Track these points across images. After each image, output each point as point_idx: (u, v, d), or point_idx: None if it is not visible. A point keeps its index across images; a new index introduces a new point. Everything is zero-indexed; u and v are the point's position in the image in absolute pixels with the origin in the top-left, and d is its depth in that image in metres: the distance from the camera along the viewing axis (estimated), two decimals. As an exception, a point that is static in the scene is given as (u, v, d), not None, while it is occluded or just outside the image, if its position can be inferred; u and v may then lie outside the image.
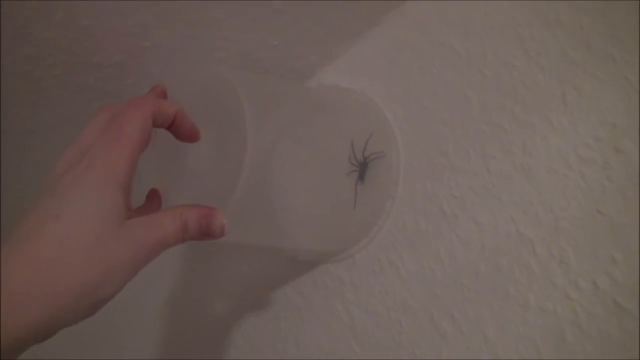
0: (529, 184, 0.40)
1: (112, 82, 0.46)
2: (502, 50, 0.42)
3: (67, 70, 0.43)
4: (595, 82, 0.38)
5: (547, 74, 0.40)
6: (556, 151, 0.39)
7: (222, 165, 0.42)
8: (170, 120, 0.36)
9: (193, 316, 0.65)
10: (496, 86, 0.42)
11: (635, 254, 0.35)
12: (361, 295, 0.49)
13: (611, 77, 0.37)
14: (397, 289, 0.47)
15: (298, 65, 0.52)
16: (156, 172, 0.43)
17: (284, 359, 0.55)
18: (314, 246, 0.51)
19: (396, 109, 0.49)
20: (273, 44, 0.48)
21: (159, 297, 0.68)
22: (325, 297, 0.52)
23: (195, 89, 0.41)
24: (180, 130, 0.37)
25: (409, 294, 0.46)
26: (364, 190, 0.48)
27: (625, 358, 0.35)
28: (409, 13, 0.48)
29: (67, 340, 0.32)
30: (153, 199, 0.41)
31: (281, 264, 0.56)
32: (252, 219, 0.43)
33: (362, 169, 0.48)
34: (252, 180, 0.38)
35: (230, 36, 0.45)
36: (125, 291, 0.32)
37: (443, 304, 0.44)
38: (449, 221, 0.44)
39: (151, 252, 0.33)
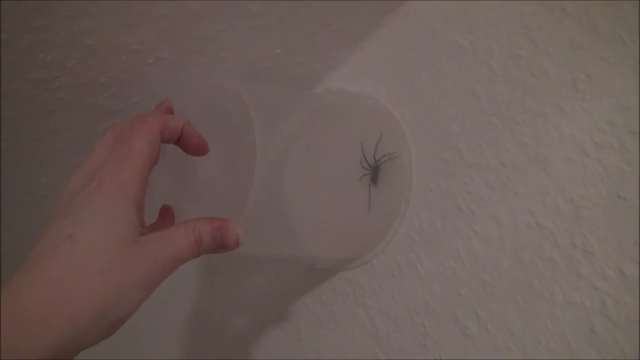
0: (545, 174, 0.39)
1: (118, 101, 0.46)
2: (508, 42, 0.42)
3: (73, 91, 0.43)
4: (606, 65, 0.37)
5: (555, 62, 0.39)
6: (571, 139, 0.38)
7: (233, 177, 0.42)
8: (178, 135, 0.36)
9: (211, 331, 0.64)
10: (504, 78, 0.42)
11: (661, 238, 0.34)
12: (382, 300, 0.48)
13: (621, 60, 0.36)
14: (418, 291, 0.46)
15: (303, 72, 0.51)
16: (168, 188, 0.42)
17: (308, 371, 0.54)
18: (331, 253, 0.50)
19: (404, 109, 0.48)
20: (276, 52, 0.47)
21: (176, 314, 0.67)
22: (346, 305, 0.51)
23: (202, 102, 0.41)
24: (188, 144, 0.37)
25: (431, 295, 0.45)
26: (378, 194, 0.48)
27: (660, 346, 0.34)
28: (411, 12, 0.48)
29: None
30: (166, 215, 0.40)
31: (298, 274, 0.56)
32: (267, 228, 0.43)
33: (374, 172, 0.48)
34: (265, 190, 0.38)
35: (233, 47, 0.45)
36: (142, 309, 0.31)
37: (466, 303, 0.43)
38: (466, 218, 0.43)
39: (166, 269, 0.32)
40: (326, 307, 0.53)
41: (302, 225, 0.45)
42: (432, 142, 0.46)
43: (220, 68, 0.46)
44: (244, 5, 0.42)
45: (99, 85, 0.43)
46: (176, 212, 0.41)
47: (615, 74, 0.37)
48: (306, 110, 0.48)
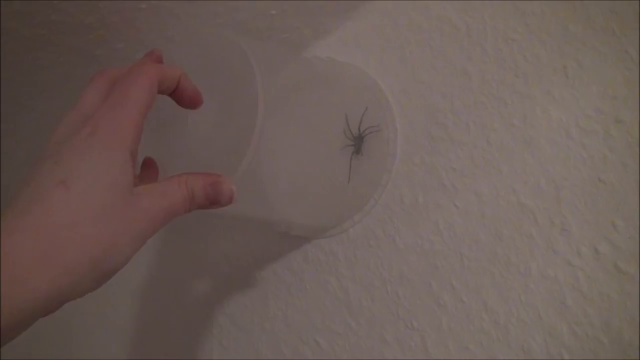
0: (530, 155, 0.41)
1: (102, 45, 0.43)
2: (502, 24, 0.43)
3: (56, 30, 0.40)
4: (596, 55, 0.39)
5: (548, 48, 0.41)
6: (557, 123, 0.40)
7: (226, 131, 0.41)
8: (174, 86, 0.35)
9: (174, 295, 0.63)
10: (496, 60, 0.43)
11: (635, 220, 0.36)
12: (356, 269, 0.49)
13: (611, 51, 0.38)
14: (394, 262, 0.47)
15: (293, 37, 0.51)
16: (152, 140, 0.41)
17: (273, 337, 0.54)
18: (307, 220, 0.50)
19: (392, 83, 0.49)
20: (271, 13, 0.47)
21: (139, 274, 0.65)
22: (318, 273, 0.52)
23: (195, 53, 0.39)
24: (183, 95, 0.36)
25: (407, 266, 0.46)
26: (360, 164, 0.48)
27: (625, 318, 0.36)
28: (407, -13, 0.48)
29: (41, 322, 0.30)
30: (149, 168, 0.39)
31: (269, 239, 0.56)
32: (244, 191, 0.42)
33: (357, 142, 0.48)
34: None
35: (229, 2, 0.44)
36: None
37: (442, 275, 0.44)
38: (448, 193, 0.44)
39: (158, 222, 0.31)
40: (296, 275, 0.53)
41: (280, 189, 0.45)
42: (418, 117, 0.47)
43: (214, 22, 0.45)
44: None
45: (85, 26, 0.41)
46: (160, 165, 0.40)
47: (605, 64, 0.39)
48: (295, 74, 0.48)
